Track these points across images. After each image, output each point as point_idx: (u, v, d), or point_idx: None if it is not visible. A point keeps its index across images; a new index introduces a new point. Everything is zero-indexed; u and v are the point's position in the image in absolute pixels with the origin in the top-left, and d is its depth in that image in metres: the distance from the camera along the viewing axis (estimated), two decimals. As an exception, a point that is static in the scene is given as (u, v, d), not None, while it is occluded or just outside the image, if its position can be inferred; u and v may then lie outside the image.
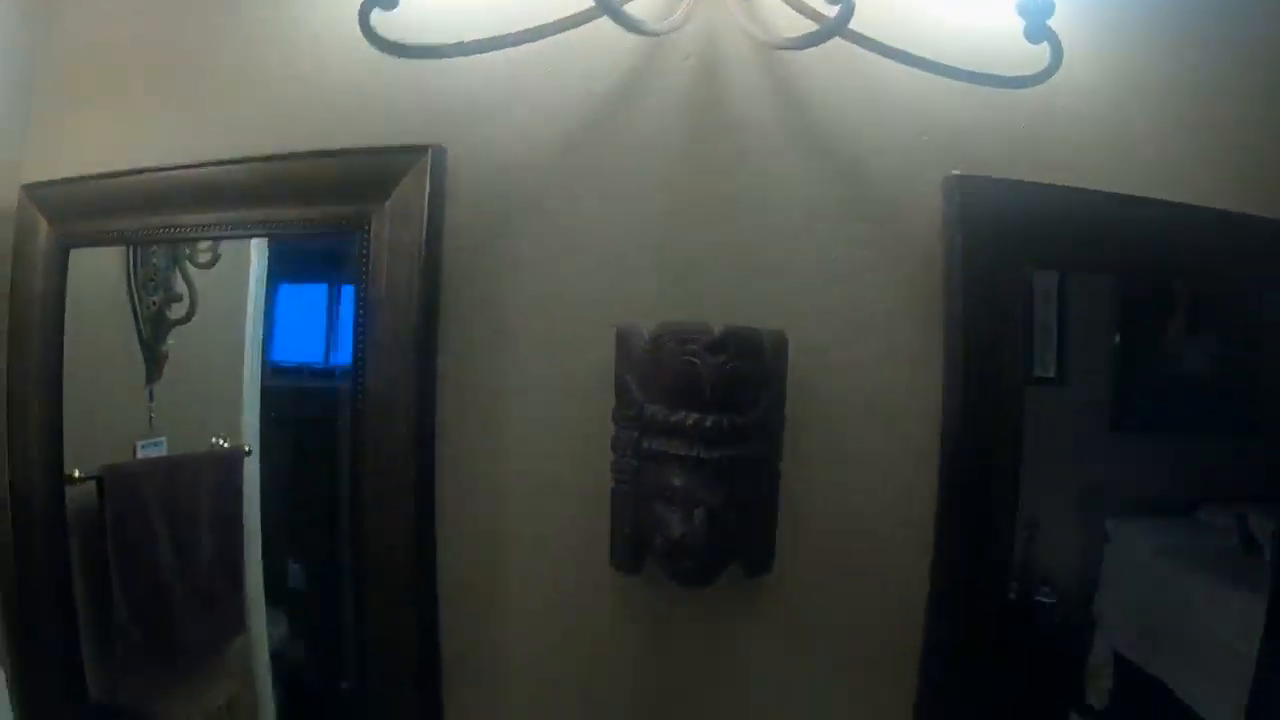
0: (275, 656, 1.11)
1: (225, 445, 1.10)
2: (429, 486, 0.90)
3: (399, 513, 0.89)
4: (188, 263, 1.10)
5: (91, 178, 1.06)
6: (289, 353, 1.12)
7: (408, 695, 0.93)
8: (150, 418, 1.11)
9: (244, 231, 1.03)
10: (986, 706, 0.93)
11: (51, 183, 1.09)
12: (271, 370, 1.10)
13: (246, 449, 1.07)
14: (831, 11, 0.73)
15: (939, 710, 0.92)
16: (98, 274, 1.11)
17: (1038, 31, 0.78)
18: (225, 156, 0.98)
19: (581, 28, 0.82)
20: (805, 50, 0.83)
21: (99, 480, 1.08)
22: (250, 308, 1.08)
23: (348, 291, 1.07)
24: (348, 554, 0.93)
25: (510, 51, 0.81)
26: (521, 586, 0.96)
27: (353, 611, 0.94)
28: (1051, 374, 1.02)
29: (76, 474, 1.09)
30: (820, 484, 0.91)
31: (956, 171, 0.89)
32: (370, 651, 0.94)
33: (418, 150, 0.91)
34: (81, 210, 1.08)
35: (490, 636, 0.97)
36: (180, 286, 1.11)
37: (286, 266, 1.09)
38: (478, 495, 0.94)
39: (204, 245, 1.09)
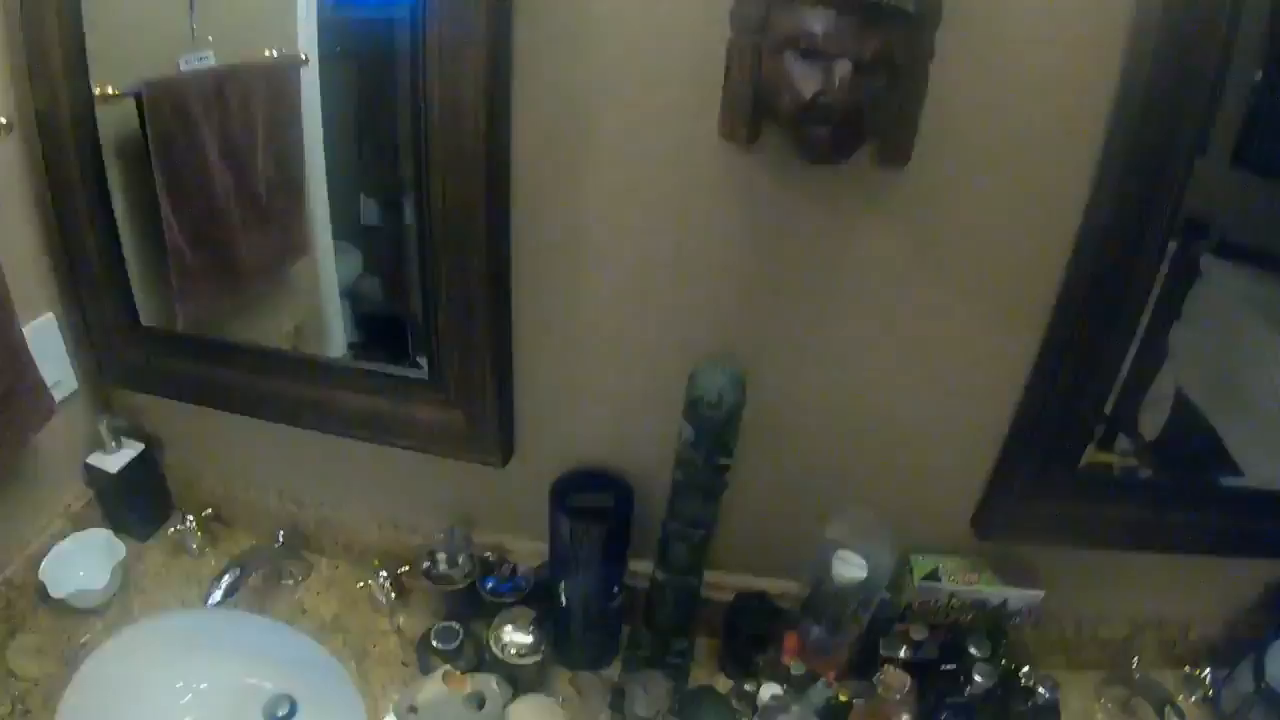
0: (346, 291, 1.05)
1: (278, 55, 0.98)
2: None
3: (469, 73, 0.78)
4: None
5: None
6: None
7: (478, 292, 0.88)
8: (192, 30, 1.00)
9: None
10: (1089, 370, 0.89)
11: None
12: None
13: (304, 57, 0.96)
14: None
15: (1061, 350, 0.87)
16: None
17: None
18: None
19: None
20: None
21: (138, 96, 0.98)
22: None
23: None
24: (410, 145, 0.83)
25: None
26: (610, 158, 0.84)
27: (417, 195, 0.87)
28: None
29: (111, 90, 0.99)
30: (977, 75, 0.76)
31: None
32: (439, 250, 0.89)
33: None
34: None
35: (571, 218, 0.87)
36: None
37: None
38: (561, 43, 0.80)
39: None
